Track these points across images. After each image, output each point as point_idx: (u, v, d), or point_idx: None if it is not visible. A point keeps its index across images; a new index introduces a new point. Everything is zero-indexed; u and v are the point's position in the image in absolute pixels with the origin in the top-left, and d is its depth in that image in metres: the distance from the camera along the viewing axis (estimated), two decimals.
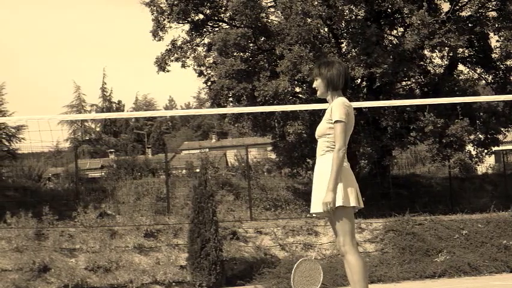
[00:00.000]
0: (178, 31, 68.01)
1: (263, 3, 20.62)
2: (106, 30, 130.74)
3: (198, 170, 21.33)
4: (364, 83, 21.28)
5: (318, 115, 16.90)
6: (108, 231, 14.42)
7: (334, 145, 5.26)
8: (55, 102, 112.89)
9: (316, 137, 5.47)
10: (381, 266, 13.88)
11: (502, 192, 22.03)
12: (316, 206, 5.34)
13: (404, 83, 21.98)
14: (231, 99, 20.50)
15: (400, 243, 14.79)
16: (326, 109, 5.45)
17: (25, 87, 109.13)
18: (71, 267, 13.24)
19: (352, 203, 5.20)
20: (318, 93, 5.57)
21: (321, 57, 17.32)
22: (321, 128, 5.40)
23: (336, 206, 5.13)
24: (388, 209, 17.54)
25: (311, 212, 5.47)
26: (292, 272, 5.37)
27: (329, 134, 5.31)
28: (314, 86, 5.59)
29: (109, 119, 67.65)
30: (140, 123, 79.10)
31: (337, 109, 5.26)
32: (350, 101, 5.54)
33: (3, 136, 22.83)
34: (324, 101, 5.61)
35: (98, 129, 71.88)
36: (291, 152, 20.45)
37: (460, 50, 20.67)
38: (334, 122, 5.25)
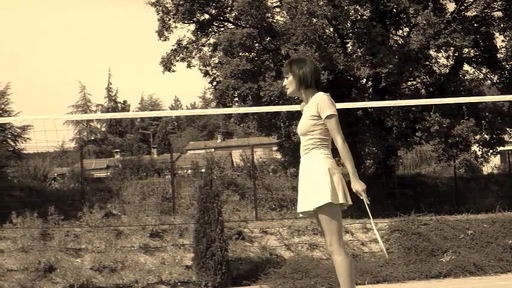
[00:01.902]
0: (183, 31, 68.05)
1: (268, 3, 20.64)
2: (107, 30, 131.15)
3: (203, 170, 21.30)
4: (369, 83, 21.28)
5: None
6: (114, 231, 14.40)
7: (319, 142, 5.20)
8: (56, 102, 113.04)
9: (300, 135, 5.36)
10: (386, 266, 13.83)
11: (508, 192, 21.97)
12: (304, 205, 5.24)
13: (409, 83, 21.96)
14: (236, 99, 20.50)
15: (406, 243, 14.75)
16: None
17: (25, 87, 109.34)
18: (76, 267, 13.24)
19: (340, 199, 5.08)
20: (289, 91, 5.43)
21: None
22: (304, 126, 5.29)
23: (324, 203, 5.03)
24: (393, 209, 17.51)
25: (298, 211, 5.36)
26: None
27: (313, 131, 5.23)
28: (284, 84, 5.45)
29: (114, 119, 67.81)
30: (146, 123, 79.20)
31: (325, 104, 5.16)
32: (355, 101, 5.53)
33: (9, 136, 22.90)
34: None
35: (103, 129, 71.99)
36: (297, 152, 20.29)
37: (466, 50, 20.64)
38: (326, 118, 5.14)
